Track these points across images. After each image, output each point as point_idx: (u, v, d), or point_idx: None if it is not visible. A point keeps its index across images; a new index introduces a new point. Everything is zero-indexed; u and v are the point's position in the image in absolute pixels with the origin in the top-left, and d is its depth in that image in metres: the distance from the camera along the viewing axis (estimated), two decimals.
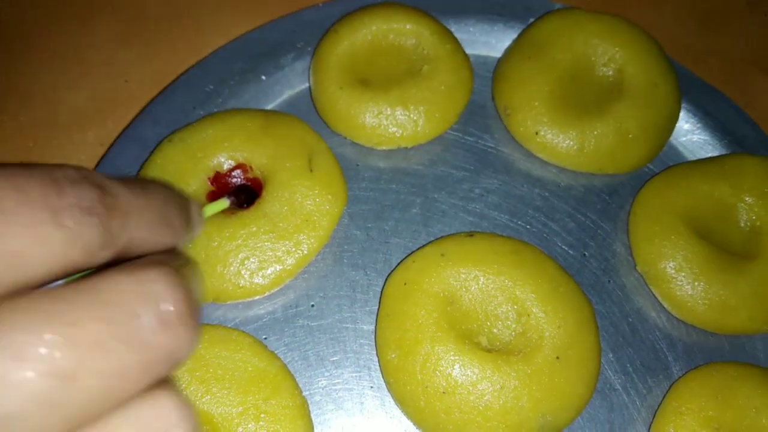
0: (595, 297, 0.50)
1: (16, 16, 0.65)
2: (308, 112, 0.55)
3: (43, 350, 0.16)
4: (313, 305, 0.48)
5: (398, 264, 0.48)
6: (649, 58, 0.54)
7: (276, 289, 0.48)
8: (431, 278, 0.45)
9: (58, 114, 0.60)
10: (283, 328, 0.48)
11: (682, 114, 0.56)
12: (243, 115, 0.51)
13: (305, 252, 0.47)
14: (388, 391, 0.45)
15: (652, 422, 0.45)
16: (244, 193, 0.47)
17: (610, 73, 0.55)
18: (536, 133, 0.53)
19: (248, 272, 0.46)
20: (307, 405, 0.43)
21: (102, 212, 0.19)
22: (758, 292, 0.47)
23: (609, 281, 0.51)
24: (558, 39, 0.55)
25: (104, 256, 0.19)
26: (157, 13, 0.66)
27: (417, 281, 0.45)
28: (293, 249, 0.47)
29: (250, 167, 0.49)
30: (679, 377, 0.47)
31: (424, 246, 0.48)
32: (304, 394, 0.44)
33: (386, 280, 0.48)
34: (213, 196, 0.48)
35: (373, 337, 0.47)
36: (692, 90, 0.58)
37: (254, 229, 0.47)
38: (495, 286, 0.45)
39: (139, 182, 0.22)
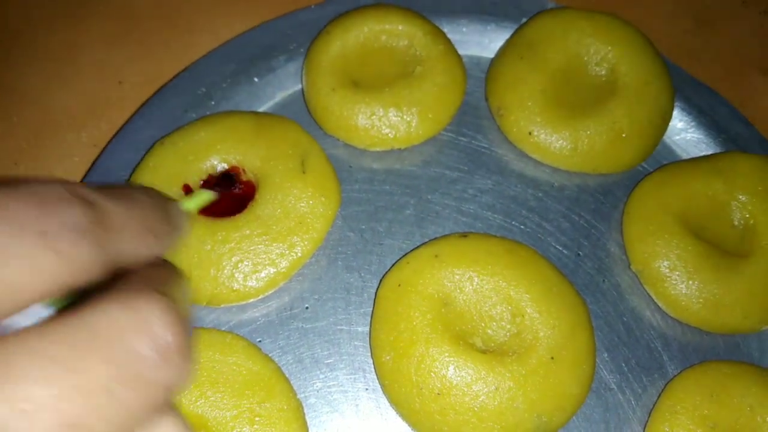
0: (590, 297, 0.50)
1: (9, 17, 0.65)
2: (301, 113, 0.55)
3: (49, 401, 0.16)
4: (307, 307, 0.48)
5: (392, 265, 0.48)
6: (642, 56, 0.54)
7: (270, 292, 0.48)
8: (425, 279, 0.45)
9: (51, 115, 0.60)
10: (277, 330, 0.47)
11: (676, 112, 0.56)
12: (235, 117, 0.51)
13: (299, 254, 0.47)
14: (383, 393, 0.45)
15: (647, 421, 0.45)
16: (226, 180, 0.47)
17: (603, 72, 0.55)
18: (529, 134, 0.53)
19: (242, 275, 0.46)
20: (302, 408, 0.43)
21: (92, 230, 0.19)
22: (752, 291, 0.47)
23: (603, 281, 0.51)
24: (551, 39, 0.55)
25: (96, 273, 0.19)
26: (150, 14, 0.66)
27: (411, 282, 0.45)
28: (287, 251, 0.47)
29: (243, 170, 0.49)
30: (674, 376, 0.47)
31: (418, 247, 0.48)
32: (298, 396, 0.44)
33: (380, 281, 0.48)
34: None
35: (367, 339, 0.47)
36: (686, 88, 0.58)
37: (247, 232, 0.47)
38: (489, 287, 0.45)
39: (122, 191, 0.22)
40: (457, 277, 0.45)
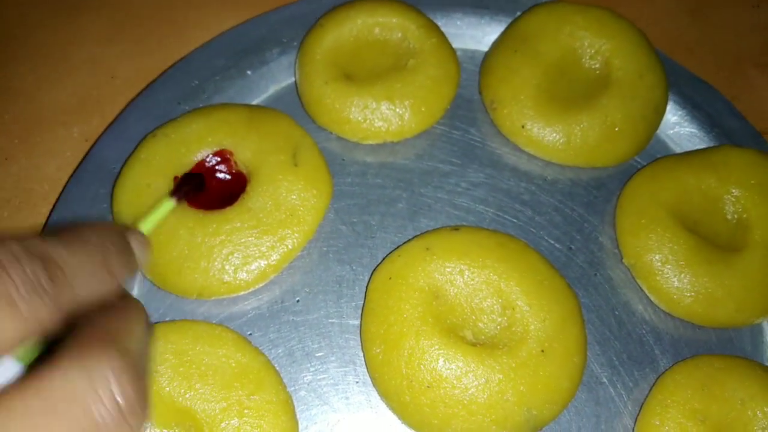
0: (582, 290, 0.50)
1: (3, 15, 0.65)
2: (294, 106, 0.55)
3: None
4: (298, 300, 0.48)
5: (384, 258, 0.48)
6: (636, 50, 0.54)
7: (261, 285, 0.48)
8: (416, 272, 0.45)
9: (43, 110, 0.59)
10: (268, 323, 0.47)
11: (670, 106, 0.56)
12: (227, 109, 0.51)
13: (290, 247, 0.47)
14: (374, 385, 0.45)
15: (638, 415, 0.45)
16: (188, 184, 0.46)
17: (597, 65, 0.54)
18: (522, 127, 0.53)
19: (232, 268, 0.46)
20: (291, 400, 0.43)
21: (49, 286, 0.20)
22: (745, 285, 0.47)
23: (595, 274, 0.51)
24: (544, 32, 0.55)
25: (54, 323, 0.20)
26: (143, 9, 0.66)
27: (402, 275, 0.45)
28: (278, 244, 0.47)
29: (234, 160, 0.49)
30: (666, 370, 0.46)
31: (409, 240, 0.48)
32: (289, 389, 0.44)
33: (371, 274, 0.47)
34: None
35: (358, 332, 0.47)
36: (680, 82, 0.58)
37: (238, 224, 0.46)
38: (480, 280, 0.45)
39: (75, 235, 0.23)
40: (448, 270, 0.45)
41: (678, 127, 0.57)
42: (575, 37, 0.54)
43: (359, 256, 0.50)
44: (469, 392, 0.41)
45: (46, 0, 0.66)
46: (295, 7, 0.59)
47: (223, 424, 0.40)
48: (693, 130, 0.57)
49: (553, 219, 0.52)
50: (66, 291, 0.21)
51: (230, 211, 0.47)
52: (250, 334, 0.47)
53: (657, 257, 0.48)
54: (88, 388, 0.19)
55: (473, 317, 0.45)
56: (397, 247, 0.48)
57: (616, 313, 0.49)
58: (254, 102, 0.56)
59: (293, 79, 0.57)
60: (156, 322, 0.44)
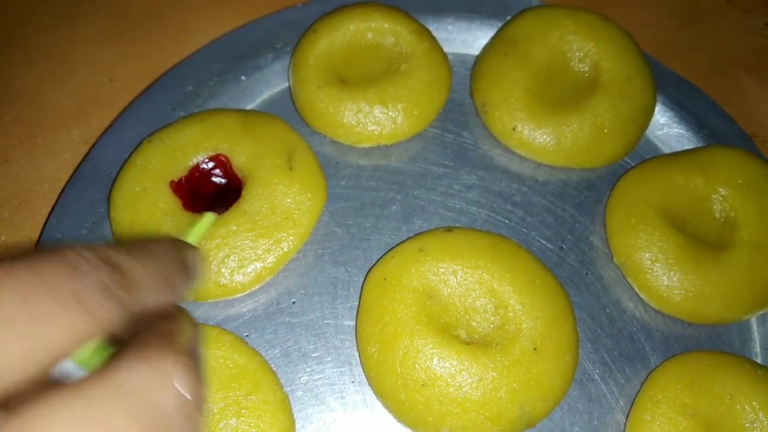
0: (573, 289, 0.51)
1: (3, 17, 0.65)
2: (288, 111, 0.56)
3: None
4: (294, 302, 0.49)
5: (378, 259, 0.49)
6: (624, 53, 0.55)
7: (257, 287, 0.48)
8: (410, 273, 0.46)
9: (43, 112, 0.60)
10: (264, 325, 0.48)
11: (658, 108, 0.57)
12: (222, 114, 0.52)
13: (285, 250, 0.48)
14: (369, 385, 0.46)
15: (629, 411, 0.46)
16: (222, 196, 0.47)
17: (586, 68, 0.55)
18: (513, 129, 0.53)
19: (229, 271, 0.47)
20: (288, 400, 0.44)
21: (119, 292, 0.21)
22: (733, 282, 0.48)
23: (587, 273, 0.51)
24: (534, 36, 0.56)
25: (120, 326, 0.21)
26: (141, 12, 0.66)
27: (396, 276, 0.46)
28: (273, 247, 0.47)
29: (230, 164, 0.50)
30: (657, 366, 0.47)
31: (403, 241, 0.49)
32: (285, 389, 0.44)
33: (366, 275, 0.48)
34: (190, 194, 0.48)
35: (354, 332, 0.48)
36: (668, 84, 0.59)
37: (234, 227, 0.47)
38: (473, 280, 0.46)
39: (143, 248, 0.25)
40: (442, 270, 0.46)
41: (666, 128, 0.58)
42: (564, 40, 0.55)
43: (354, 258, 0.51)
44: (463, 390, 0.42)
45: (46, 2, 0.67)
46: (288, 12, 0.59)
47: (221, 424, 0.41)
48: (681, 131, 0.58)
49: (544, 219, 0.53)
50: (133, 298, 0.22)
51: (226, 215, 0.48)
52: (247, 335, 0.47)
53: (646, 256, 0.49)
54: (156, 381, 0.20)
55: (466, 316, 0.46)
56: (391, 249, 0.49)
57: (608, 311, 0.50)
58: (249, 107, 0.57)
59: (287, 84, 0.58)
60: None
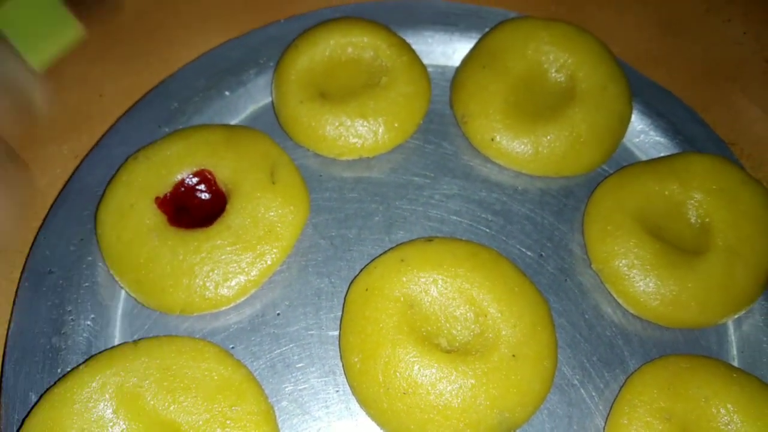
0: (553, 296, 0.51)
1: None
2: (272, 125, 0.57)
3: None
4: (279, 314, 0.50)
5: (361, 270, 0.49)
6: (599, 63, 0.56)
7: (242, 300, 0.49)
8: (392, 283, 0.47)
9: (33, 128, 0.61)
10: (250, 337, 0.49)
11: (635, 116, 0.58)
12: (206, 130, 0.53)
13: (269, 263, 0.49)
14: (353, 394, 0.46)
15: (608, 415, 0.47)
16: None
17: (562, 78, 0.56)
18: (492, 140, 0.55)
19: (213, 284, 0.48)
20: (273, 411, 0.44)
21: None
22: (708, 286, 0.49)
23: (566, 280, 0.52)
24: (512, 48, 0.57)
25: None
26: (130, 29, 0.68)
27: (378, 287, 0.47)
28: (257, 260, 0.48)
29: (214, 179, 0.51)
30: (635, 371, 0.48)
31: (385, 252, 0.50)
32: (271, 400, 0.45)
33: (349, 286, 0.49)
34: (175, 210, 0.49)
35: (338, 342, 0.49)
36: (644, 92, 0.60)
37: (218, 242, 0.48)
38: (453, 289, 0.47)
39: None
40: (423, 280, 0.47)
41: (643, 136, 0.59)
42: (541, 51, 0.56)
43: (337, 269, 0.52)
44: (444, 397, 0.43)
45: None
46: (271, 28, 0.61)
47: None
48: (658, 138, 0.59)
49: (524, 228, 0.54)
50: None
51: (211, 230, 0.49)
52: (233, 347, 0.48)
53: (624, 262, 0.50)
54: None
55: (447, 325, 0.47)
56: (374, 259, 0.50)
57: (586, 316, 0.51)
58: (233, 122, 0.58)
59: (270, 99, 0.59)
60: (140, 339, 0.46)
